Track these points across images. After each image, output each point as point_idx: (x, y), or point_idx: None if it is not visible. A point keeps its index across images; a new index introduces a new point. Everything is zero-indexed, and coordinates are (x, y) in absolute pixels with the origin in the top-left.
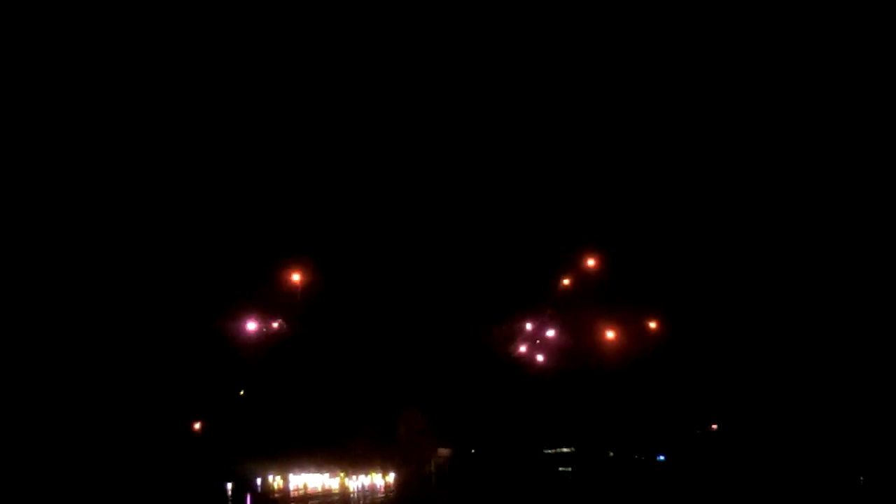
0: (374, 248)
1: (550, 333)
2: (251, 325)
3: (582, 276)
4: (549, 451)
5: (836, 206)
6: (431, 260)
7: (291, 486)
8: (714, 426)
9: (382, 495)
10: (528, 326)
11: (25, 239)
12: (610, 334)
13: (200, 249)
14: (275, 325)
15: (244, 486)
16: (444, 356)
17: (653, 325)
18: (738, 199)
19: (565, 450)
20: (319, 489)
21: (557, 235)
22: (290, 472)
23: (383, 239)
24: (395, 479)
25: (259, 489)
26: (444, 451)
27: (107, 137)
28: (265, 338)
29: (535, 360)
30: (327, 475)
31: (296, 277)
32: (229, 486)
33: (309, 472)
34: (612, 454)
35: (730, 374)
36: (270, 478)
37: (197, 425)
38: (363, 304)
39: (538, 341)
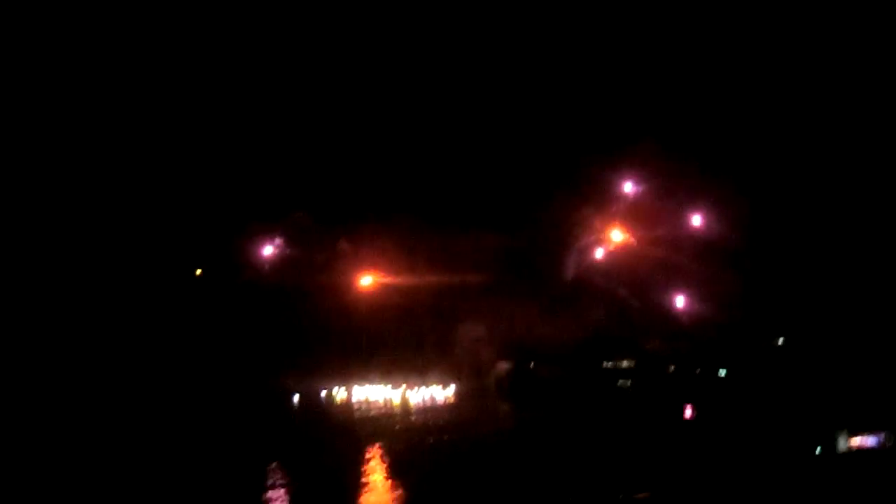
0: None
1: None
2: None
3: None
4: (608, 364)
5: None
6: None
7: (354, 399)
8: (780, 340)
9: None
10: (587, 240)
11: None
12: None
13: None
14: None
15: (310, 398)
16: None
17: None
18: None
19: (624, 363)
20: (381, 402)
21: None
22: (353, 384)
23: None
24: (456, 392)
25: (323, 401)
26: (503, 365)
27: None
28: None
29: (593, 273)
30: (389, 387)
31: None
32: (296, 398)
33: (373, 383)
34: (672, 368)
35: (799, 284)
36: (335, 390)
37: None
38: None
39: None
